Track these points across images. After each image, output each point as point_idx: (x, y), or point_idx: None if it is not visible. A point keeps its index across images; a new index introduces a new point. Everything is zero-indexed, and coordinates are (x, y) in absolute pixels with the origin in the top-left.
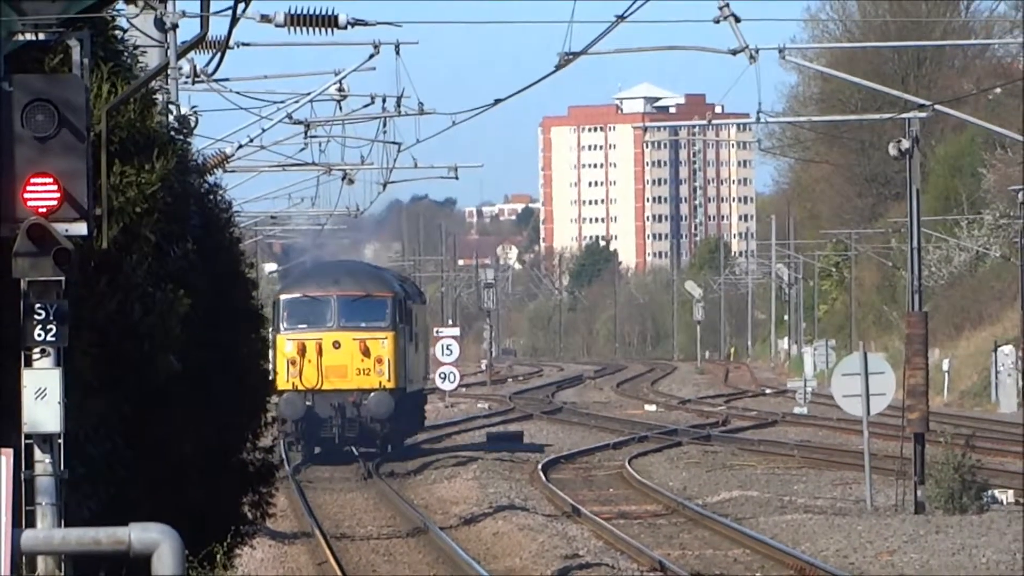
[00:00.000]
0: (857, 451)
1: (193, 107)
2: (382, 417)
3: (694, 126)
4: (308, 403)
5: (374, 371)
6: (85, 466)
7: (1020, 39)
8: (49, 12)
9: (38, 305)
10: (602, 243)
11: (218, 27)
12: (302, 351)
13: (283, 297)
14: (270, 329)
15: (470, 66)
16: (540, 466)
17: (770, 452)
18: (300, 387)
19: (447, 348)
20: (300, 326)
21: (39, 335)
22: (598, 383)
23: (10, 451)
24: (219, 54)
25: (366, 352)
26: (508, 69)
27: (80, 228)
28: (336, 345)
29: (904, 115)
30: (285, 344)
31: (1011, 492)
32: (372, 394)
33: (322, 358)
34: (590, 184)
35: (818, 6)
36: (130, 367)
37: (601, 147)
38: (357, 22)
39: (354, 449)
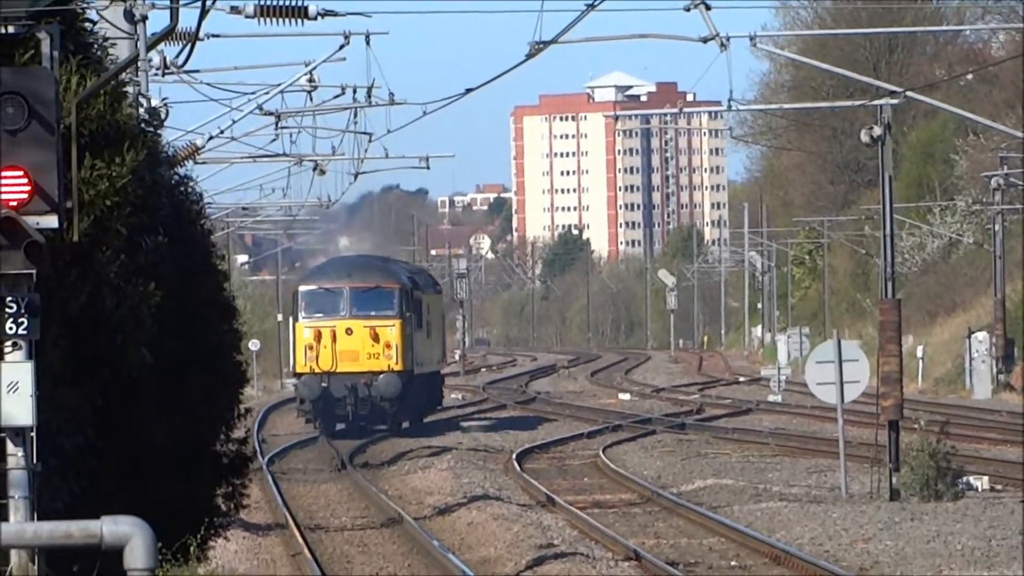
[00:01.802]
0: (832, 439)
1: (164, 99)
2: (391, 396)
3: (666, 114)
4: (324, 384)
5: (383, 355)
6: (58, 459)
7: (991, 25)
8: (18, 5)
9: (9, 298)
10: (575, 232)
11: (188, 18)
12: (318, 337)
13: (302, 288)
14: (290, 318)
15: (441, 56)
16: (514, 455)
17: (744, 440)
18: (317, 370)
19: None
20: (317, 314)
21: (11, 328)
22: (572, 372)
23: None
24: (189, 45)
25: (375, 338)
26: (479, 58)
27: (51, 221)
28: (349, 332)
29: (876, 102)
30: (303, 331)
31: (986, 478)
32: (381, 376)
33: (336, 343)
34: (562, 173)
35: None
36: (102, 360)
37: (573, 136)
38: (327, 12)
39: (327, 439)
